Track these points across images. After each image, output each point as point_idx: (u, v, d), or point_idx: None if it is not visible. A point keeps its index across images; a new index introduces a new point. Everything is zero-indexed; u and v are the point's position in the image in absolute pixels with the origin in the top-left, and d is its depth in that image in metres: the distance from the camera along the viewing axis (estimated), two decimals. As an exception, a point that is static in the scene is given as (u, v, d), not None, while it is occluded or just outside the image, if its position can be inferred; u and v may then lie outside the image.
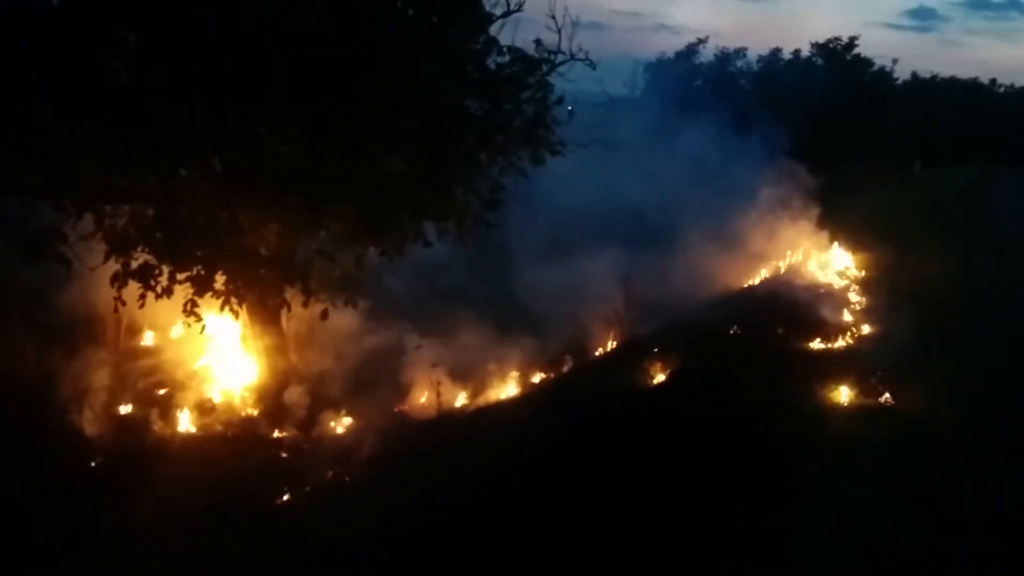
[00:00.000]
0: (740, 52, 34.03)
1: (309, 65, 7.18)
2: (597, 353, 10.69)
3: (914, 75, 53.06)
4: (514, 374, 9.64)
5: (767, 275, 15.21)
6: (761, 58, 34.86)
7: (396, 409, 8.69)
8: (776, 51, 35.65)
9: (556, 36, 9.03)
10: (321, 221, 8.28)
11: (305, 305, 8.41)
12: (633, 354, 9.95)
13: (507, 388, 9.46)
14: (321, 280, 8.44)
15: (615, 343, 10.86)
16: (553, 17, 9.08)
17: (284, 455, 7.66)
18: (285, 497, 6.83)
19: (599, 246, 11.91)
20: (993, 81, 75.55)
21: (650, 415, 8.00)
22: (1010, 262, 17.38)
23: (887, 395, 8.87)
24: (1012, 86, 77.89)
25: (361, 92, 7.50)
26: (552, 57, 9.28)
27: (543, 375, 9.84)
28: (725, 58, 33.48)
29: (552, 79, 9.35)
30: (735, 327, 10.92)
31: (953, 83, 69.08)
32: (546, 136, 9.36)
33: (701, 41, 33.73)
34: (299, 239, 8.48)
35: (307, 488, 6.99)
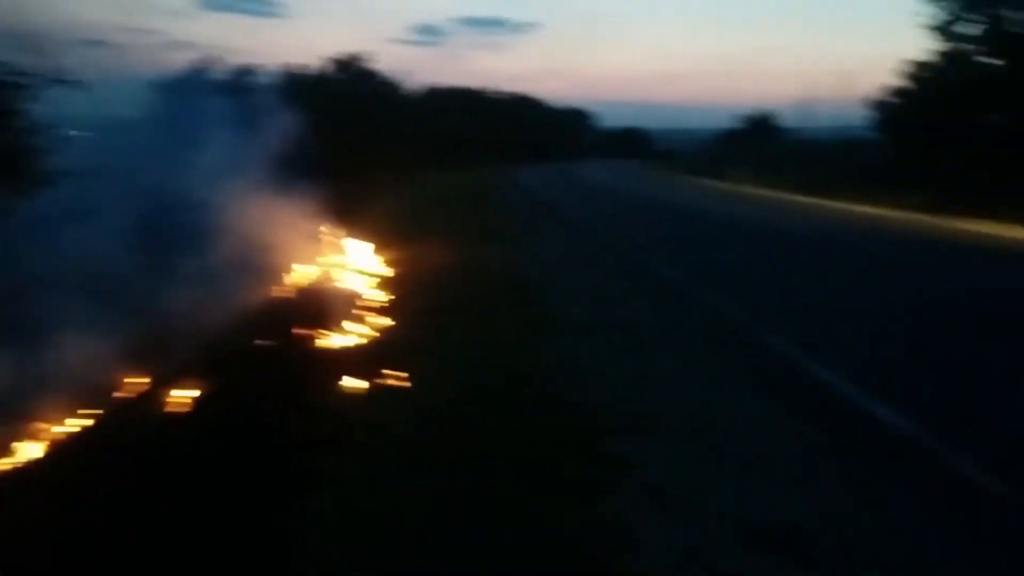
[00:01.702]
0: (256, 68, 34.37)
1: None
2: (127, 393, 10.24)
3: (428, 87, 59.44)
4: (38, 429, 8.77)
5: (296, 285, 15.92)
6: (278, 73, 35.81)
7: None
8: (292, 67, 36.90)
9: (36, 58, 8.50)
10: None
11: None
12: (161, 387, 9.75)
13: (31, 447, 8.58)
14: None
15: (144, 378, 10.51)
16: (29, 38, 8.50)
17: None
18: None
19: (110, 278, 11.27)
20: (487, 89, 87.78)
21: (182, 443, 8.01)
22: (505, 248, 20.89)
23: (402, 379, 10.08)
24: (503, 91, 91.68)
25: None
26: (27, 81, 8.70)
27: (69, 428, 9.11)
28: (241, 73, 33.45)
29: (48, 103, 8.82)
30: (262, 340, 11.33)
31: (456, 92, 78.95)
32: (29, 167, 8.75)
33: (216, 57, 33.07)
34: None
35: None
